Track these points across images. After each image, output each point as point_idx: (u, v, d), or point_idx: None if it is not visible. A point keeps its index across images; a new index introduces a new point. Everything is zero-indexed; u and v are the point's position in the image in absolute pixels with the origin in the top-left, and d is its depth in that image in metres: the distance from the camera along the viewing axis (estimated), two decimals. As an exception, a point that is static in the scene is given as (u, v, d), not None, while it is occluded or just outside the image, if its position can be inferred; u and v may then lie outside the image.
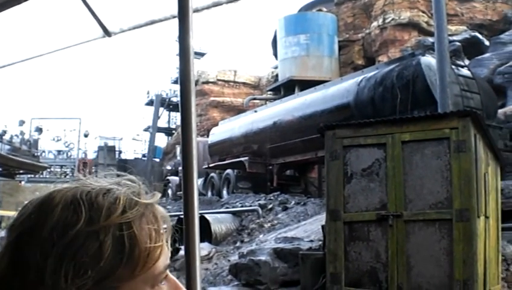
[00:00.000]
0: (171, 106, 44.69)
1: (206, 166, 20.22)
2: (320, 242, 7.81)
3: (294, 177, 19.80)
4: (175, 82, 43.00)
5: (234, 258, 10.19)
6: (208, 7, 3.15)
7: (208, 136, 21.95)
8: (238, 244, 12.35)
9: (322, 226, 7.18)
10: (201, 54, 44.86)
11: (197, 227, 1.26)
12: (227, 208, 15.26)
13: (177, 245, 8.47)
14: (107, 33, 3.20)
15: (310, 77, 24.99)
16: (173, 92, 44.17)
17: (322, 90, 15.41)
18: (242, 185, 18.26)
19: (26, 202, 0.79)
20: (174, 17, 1.44)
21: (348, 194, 6.05)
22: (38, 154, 36.63)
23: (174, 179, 24.36)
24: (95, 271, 0.70)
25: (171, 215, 0.84)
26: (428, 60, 12.04)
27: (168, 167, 29.29)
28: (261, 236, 12.16)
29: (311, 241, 8.99)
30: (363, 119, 6.75)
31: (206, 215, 13.42)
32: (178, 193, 22.28)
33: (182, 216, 1.25)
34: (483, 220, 5.90)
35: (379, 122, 6.18)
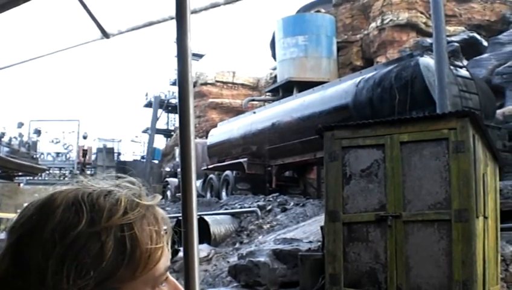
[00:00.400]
0: (169, 108, 44.65)
1: (205, 167, 20.22)
2: (319, 243, 7.82)
3: (293, 178, 19.81)
4: (173, 84, 42.95)
5: (233, 259, 10.19)
6: (206, 8, 3.16)
7: (206, 138, 21.97)
8: (237, 245, 12.35)
9: (321, 227, 7.18)
10: (200, 56, 44.86)
11: (196, 228, 1.26)
12: (226, 209, 15.26)
13: (176, 247, 8.46)
14: (105, 35, 3.20)
15: (308, 78, 24.99)
16: (172, 93, 44.14)
17: (321, 92, 15.42)
18: (241, 186, 18.27)
19: (26, 204, 0.79)
20: (172, 18, 1.44)
21: (347, 195, 6.05)
22: (37, 156, 36.60)
23: (173, 180, 24.37)
24: (97, 272, 0.70)
25: (170, 217, 0.84)
26: (427, 61, 12.05)
27: (167, 169, 29.27)
28: (260, 237, 12.17)
29: (310, 242, 8.99)
30: (361, 120, 6.76)
31: (205, 217, 13.41)
32: (177, 194, 22.28)
33: (181, 218, 1.25)
34: (482, 220, 5.90)
35: (378, 123, 6.19)
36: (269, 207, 14.21)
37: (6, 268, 0.73)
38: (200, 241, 8.94)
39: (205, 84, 36.95)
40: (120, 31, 3.28)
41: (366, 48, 27.10)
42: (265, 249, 8.89)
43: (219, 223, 13.54)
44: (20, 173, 28.32)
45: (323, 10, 29.01)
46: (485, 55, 19.50)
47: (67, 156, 47.98)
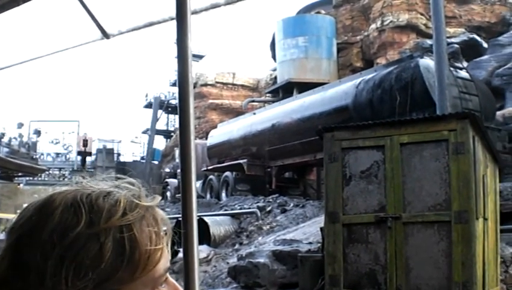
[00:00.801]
0: (169, 109, 44.65)
1: (205, 168, 20.21)
2: (319, 244, 7.81)
3: (293, 179, 19.81)
4: (173, 84, 42.98)
5: (233, 260, 10.19)
6: (206, 9, 3.16)
7: (206, 139, 21.96)
8: (236, 246, 12.35)
9: (321, 229, 7.18)
10: (200, 56, 44.90)
11: (196, 229, 1.26)
12: (226, 210, 15.26)
13: (175, 248, 8.46)
14: (105, 35, 3.20)
15: (308, 79, 24.99)
16: (172, 94, 44.15)
17: (321, 93, 15.42)
18: (241, 187, 18.27)
19: (25, 205, 0.79)
20: (172, 19, 1.44)
21: (347, 196, 6.05)
22: (37, 156, 36.55)
23: (173, 181, 24.37)
24: (96, 273, 0.70)
25: (169, 218, 0.84)
26: (427, 62, 12.05)
27: (167, 170, 29.25)
28: (259, 238, 12.16)
29: (310, 243, 8.99)
30: (361, 122, 6.76)
31: (205, 218, 13.41)
32: (177, 195, 22.29)
33: (181, 219, 1.25)
34: (482, 222, 5.90)
35: (377, 124, 6.18)
36: (269, 208, 14.21)
37: (6, 269, 0.73)
38: (200, 242, 8.94)
39: (205, 85, 36.98)
40: (120, 31, 3.28)
41: (366, 49, 27.11)
42: (265, 250, 8.89)
43: (219, 224, 13.54)
44: (19, 174, 28.34)
45: (323, 11, 29.01)
46: (485, 57, 19.53)
47: (67, 156, 48.00)
